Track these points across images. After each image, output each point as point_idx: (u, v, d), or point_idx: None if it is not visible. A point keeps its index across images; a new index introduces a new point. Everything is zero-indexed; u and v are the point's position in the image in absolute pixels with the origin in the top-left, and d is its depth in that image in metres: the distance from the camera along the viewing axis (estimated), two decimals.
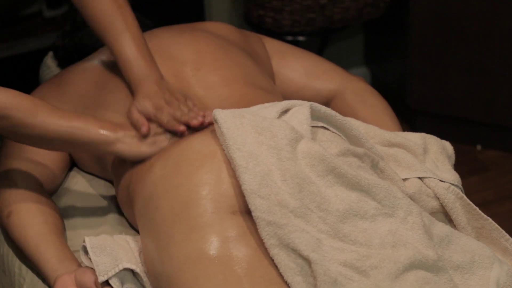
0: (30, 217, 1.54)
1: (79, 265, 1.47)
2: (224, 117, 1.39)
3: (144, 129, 1.48)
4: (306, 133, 1.42)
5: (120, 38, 1.56)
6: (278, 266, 1.30)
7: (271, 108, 1.46)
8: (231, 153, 1.35)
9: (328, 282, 1.28)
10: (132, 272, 1.42)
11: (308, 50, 1.94)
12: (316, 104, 1.48)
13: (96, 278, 1.39)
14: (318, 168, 1.37)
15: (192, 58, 1.65)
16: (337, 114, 1.50)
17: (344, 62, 2.91)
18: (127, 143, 1.48)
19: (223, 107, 1.48)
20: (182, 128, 1.47)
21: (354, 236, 1.34)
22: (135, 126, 1.50)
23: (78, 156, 1.71)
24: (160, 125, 1.49)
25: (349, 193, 1.37)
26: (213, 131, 1.42)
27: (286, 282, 1.30)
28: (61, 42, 2.01)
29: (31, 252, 1.51)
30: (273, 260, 1.31)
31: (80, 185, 1.71)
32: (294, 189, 1.34)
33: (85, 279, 1.40)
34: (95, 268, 1.40)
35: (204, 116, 1.48)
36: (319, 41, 2.86)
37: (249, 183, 1.32)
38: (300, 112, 1.45)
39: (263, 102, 1.54)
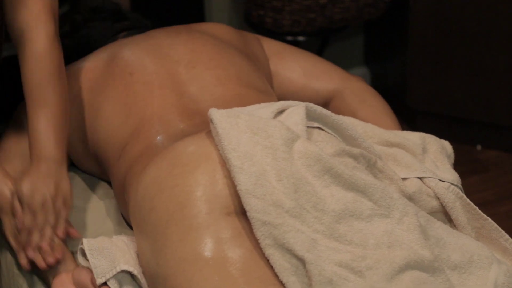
0: None
1: (77, 265, 1.47)
2: (220, 117, 1.38)
3: (18, 224, 1.47)
4: (302, 133, 1.41)
5: (39, 111, 1.51)
6: (274, 266, 1.30)
7: (267, 109, 1.46)
8: (226, 153, 1.35)
9: (323, 282, 1.28)
10: (130, 274, 1.42)
11: (308, 50, 1.94)
12: (311, 105, 1.47)
13: (93, 276, 1.39)
14: (314, 168, 1.37)
15: (187, 57, 1.64)
16: (333, 114, 1.49)
17: (344, 62, 2.91)
18: None
19: (216, 106, 1.48)
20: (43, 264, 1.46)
21: (349, 236, 1.34)
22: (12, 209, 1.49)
23: (75, 155, 1.70)
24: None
25: (345, 193, 1.37)
26: (208, 132, 1.42)
27: (282, 283, 1.30)
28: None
29: None
30: (269, 261, 1.31)
31: (79, 185, 1.71)
32: (289, 189, 1.33)
33: (82, 277, 1.41)
34: (93, 270, 1.40)
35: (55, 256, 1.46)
36: (319, 41, 2.86)
37: (244, 183, 1.32)
38: (296, 112, 1.44)
39: (257, 102, 1.53)
